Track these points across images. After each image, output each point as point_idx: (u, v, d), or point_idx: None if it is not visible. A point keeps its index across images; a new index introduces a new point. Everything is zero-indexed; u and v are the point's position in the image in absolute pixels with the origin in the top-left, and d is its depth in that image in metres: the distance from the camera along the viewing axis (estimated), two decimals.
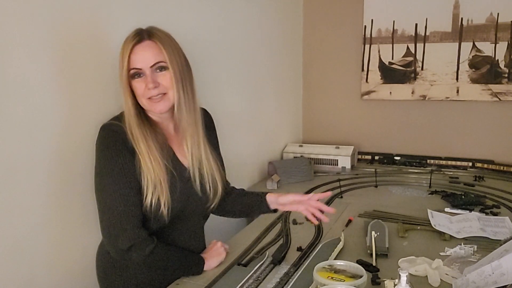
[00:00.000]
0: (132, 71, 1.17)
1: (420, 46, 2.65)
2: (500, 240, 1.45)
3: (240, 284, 1.21)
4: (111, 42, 1.39)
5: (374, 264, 1.30)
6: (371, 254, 1.36)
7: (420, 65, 2.67)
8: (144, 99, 1.19)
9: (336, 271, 1.10)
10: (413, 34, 2.65)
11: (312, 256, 1.37)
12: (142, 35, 1.18)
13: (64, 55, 1.25)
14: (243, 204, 1.45)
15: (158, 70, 1.18)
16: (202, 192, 1.30)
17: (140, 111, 1.23)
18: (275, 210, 1.42)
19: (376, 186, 2.25)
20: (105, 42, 1.38)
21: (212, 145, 1.36)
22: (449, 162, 2.63)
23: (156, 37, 1.18)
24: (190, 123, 1.25)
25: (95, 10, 1.34)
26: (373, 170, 2.45)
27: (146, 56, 1.16)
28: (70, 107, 1.29)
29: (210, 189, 1.31)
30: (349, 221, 1.71)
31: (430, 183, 2.24)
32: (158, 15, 1.57)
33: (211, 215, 1.44)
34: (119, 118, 1.22)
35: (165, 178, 1.20)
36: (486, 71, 2.53)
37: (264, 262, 1.34)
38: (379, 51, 2.75)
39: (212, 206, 1.34)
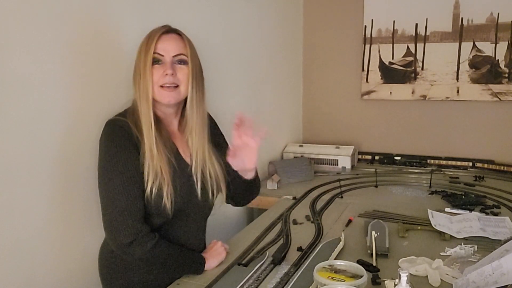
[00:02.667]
0: (154, 55, 1.21)
1: (420, 46, 2.65)
2: (500, 240, 1.45)
3: (240, 284, 1.21)
4: (114, 41, 1.40)
5: (374, 264, 1.30)
6: (372, 254, 1.36)
7: (420, 65, 2.67)
8: (156, 86, 1.22)
9: (337, 271, 1.09)
10: (413, 34, 2.65)
11: (312, 256, 1.37)
12: (169, 28, 1.25)
13: (68, 53, 1.26)
14: (237, 189, 1.41)
15: (177, 62, 1.23)
16: (204, 193, 1.31)
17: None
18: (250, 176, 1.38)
19: (376, 186, 2.25)
20: (108, 41, 1.39)
21: (220, 145, 1.40)
22: (449, 162, 2.64)
23: (184, 35, 1.27)
24: (198, 123, 1.29)
25: (99, 9, 1.34)
26: (373, 170, 2.45)
27: (171, 45, 1.22)
28: (73, 106, 1.29)
29: (211, 190, 1.32)
30: (349, 221, 1.70)
31: (430, 183, 2.23)
32: (159, 15, 1.57)
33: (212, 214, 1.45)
34: (124, 114, 1.24)
35: (166, 169, 1.21)
36: (486, 71, 2.53)
37: (264, 262, 1.34)
38: (379, 51, 2.75)
39: (212, 207, 1.37)
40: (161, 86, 1.22)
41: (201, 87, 1.29)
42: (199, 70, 1.28)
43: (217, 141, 1.42)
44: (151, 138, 1.20)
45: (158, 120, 1.26)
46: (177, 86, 1.23)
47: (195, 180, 1.29)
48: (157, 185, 1.19)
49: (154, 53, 1.20)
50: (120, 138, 1.18)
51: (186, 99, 1.28)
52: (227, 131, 1.50)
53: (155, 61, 1.21)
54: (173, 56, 1.22)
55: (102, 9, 1.36)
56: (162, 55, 1.21)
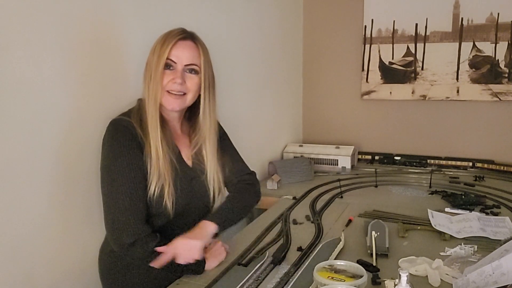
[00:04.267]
0: (167, 61, 1.21)
1: (420, 46, 2.65)
2: (500, 240, 1.45)
3: (240, 284, 1.21)
4: (116, 41, 1.40)
5: (374, 264, 1.30)
6: (371, 254, 1.36)
7: (420, 65, 2.67)
8: (164, 90, 1.23)
9: (336, 271, 1.10)
10: (413, 34, 2.65)
11: (312, 256, 1.37)
12: (187, 34, 1.25)
13: (71, 53, 1.26)
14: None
15: (188, 71, 1.24)
16: (206, 196, 1.34)
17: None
18: None
19: (376, 186, 2.25)
20: (110, 41, 1.39)
21: (229, 148, 1.45)
22: (449, 162, 2.63)
23: (199, 42, 1.26)
24: (211, 132, 1.32)
25: (101, 9, 1.34)
26: (373, 170, 2.45)
27: (185, 53, 1.22)
28: (74, 106, 1.29)
29: (213, 194, 1.35)
30: (349, 221, 1.70)
31: (430, 183, 2.23)
32: (159, 16, 1.57)
33: None
34: (128, 114, 1.24)
35: (169, 170, 1.22)
36: (486, 71, 2.53)
37: (264, 262, 1.34)
38: (379, 51, 2.75)
39: (212, 209, 1.38)
40: (168, 92, 1.22)
41: (213, 96, 1.31)
42: (212, 79, 1.29)
43: (222, 145, 1.44)
44: (157, 139, 1.20)
45: (163, 121, 1.27)
46: (184, 94, 1.24)
47: (210, 187, 1.33)
48: (159, 186, 1.20)
49: (168, 59, 1.21)
50: (124, 138, 1.19)
51: (193, 105, 1.30)
52: (227, 131, 1.51)
53: (167, 67, 1.22)
54: (185, 65, 1.22)
55: (104, 9, 1.36)
56: (175, 62, 1.22)
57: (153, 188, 1.19)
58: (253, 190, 1.48)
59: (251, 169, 1.52)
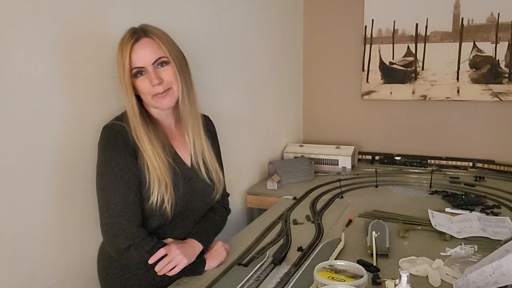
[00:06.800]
0: (134, 70, 1.18)
1: (420, 46, 2.65)
2: (500, 240, 1.45)
3: (240, 284, 1.21)
4: (113, 42, 1.39)
5: (374, 264, 1.30)
6: (372, 254, 1.36)
7: (421, 65, 2.67)
8: (149, 97, 1.21)
9: (337, 271, 1.10)
10: (414, 34, 2.65)
11: (312, 256, 1.37)
12: (138, 34, 1.19)
13: (66, 55, 1.25)
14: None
15: (159, 66, 1.20)
16: (208, 182, 1.33)
17: (142, 110, 1.24)
18: None
19: (376, 186, 2.25)
20: (107, 42, 1.38)
21: (214, 153, 1.40)
22: (450, 162, 2.63)
23: (152, 34, 1.20)
24: (192, 115, 1.28)
25: (96, 9, 1.34)
26: (374, 170, 2.45)
27: (146, 53, 1.18)
28: (73, 108, 1.29)
29: (214, 178, 1.34)
30: (350, 221, 1.70)
31: (430, 183, 2.23)
32: (157, 15, 1.57)
33: None
34: (121, 118, 1.23)
35: (168, 175, 1.22)
36: (486, 71, 2.53)
37: (264, 262, 1.34)
38: (379, 51, 2.75)
39: (218, 196, 1.37)
40: (155, 95, 1.21)
41: (188, 78, 1.26)
42: (182, 62, 1.25)
43: (216, 150, 1.42)
44: (152, 151, 1.19)
45: (155, 122, 1.26)
46: (169, 89, 1.22)
47: (198, 171, 1.30)
48: (161, 194, 1.19)
49: (134, 68, 1.17)
50: (116, 144, 1.18)
51: None
52: (227, 132, 1.51)
53: (138, 74, 1.19)
54: (153, 63, 1.19)
55: (103, 10, 1.36)
56: (142, 67, 1.18)
57: (155, 197, 1.19)
58: (226, 215, 1.49)
59: (248, 171, 1.52)
